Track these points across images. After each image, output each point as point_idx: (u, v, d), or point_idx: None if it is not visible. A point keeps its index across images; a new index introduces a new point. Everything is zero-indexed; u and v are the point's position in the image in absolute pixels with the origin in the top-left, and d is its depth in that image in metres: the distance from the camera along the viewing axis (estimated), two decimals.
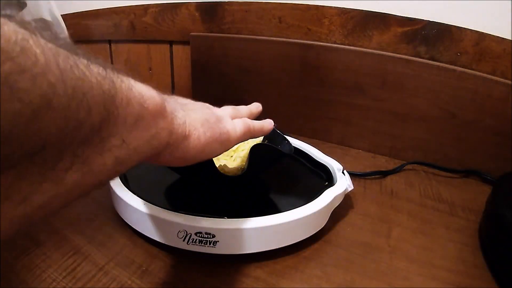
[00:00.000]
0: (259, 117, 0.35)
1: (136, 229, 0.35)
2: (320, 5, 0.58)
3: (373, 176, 0.51)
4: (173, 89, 0.79)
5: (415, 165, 0.55)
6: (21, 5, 0.43)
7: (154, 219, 0.32)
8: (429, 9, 0.51)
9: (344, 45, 0.58)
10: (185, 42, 0.72)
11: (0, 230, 0.12)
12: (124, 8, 0.75)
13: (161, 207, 0.32)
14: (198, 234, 0.31)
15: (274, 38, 0.62)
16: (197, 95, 0.74)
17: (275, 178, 0.44)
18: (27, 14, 0.44)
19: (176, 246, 0.32)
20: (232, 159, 0.41)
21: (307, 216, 0.33)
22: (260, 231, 0.31)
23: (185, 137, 0.22)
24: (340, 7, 0.56)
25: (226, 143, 0.26)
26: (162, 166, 0.37)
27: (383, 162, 0.57)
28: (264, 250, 0.32)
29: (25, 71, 0.10)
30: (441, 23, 0.51)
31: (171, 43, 0.74)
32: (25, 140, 0.11)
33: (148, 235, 0.33)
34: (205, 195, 0.39)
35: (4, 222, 0.12)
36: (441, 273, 0.33)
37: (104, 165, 0.15)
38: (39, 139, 0.11)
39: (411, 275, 0.33)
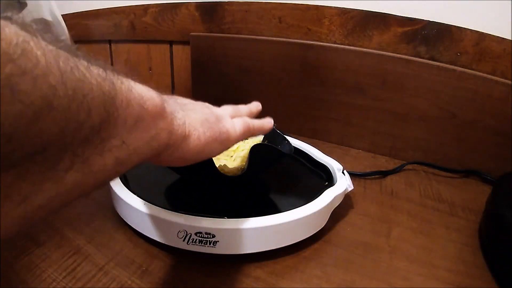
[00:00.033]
0: (258, 116, 0.35)
1: (136, 229, 0.35)
2: (320, 5, 0.58)
3: (373, 176, 0.51)
4: (173, 89, 0.79)
5: (415, 165, 0.55)
6: (22, 5, 0.43)
7: (154, 219, 0.32)
8: (429, 9, 0.51)
9: (344, 45, 0.58)
10: (185, 42, 0.72)
11: (0, 229, 0.12)
12: (124, 8, 0.75)
13: (161, 207, 0.32)
14: (198, 234, 0.31)
15: (274, 38, 0.62)
16: (197, 95, 0.74)
17: (275, 178, 0.44)
18: (28, 14, 0.44)
19: (176, 246, 0.32)
20: (232, 159, 0.42)
21: (307, 216, 0.33)
22: (260, 231, 0.31)
23: (185, 137, 0.22)
24: (340, 7, 0.56)
25: (225, 143, 0.26)
26: (162, 166, 0.37)
27: (383, 162, 0.57)
28: (264, 250, 0.33)
29: (26, 73, 0.10)
30: (441, 23, 0.51)
31: (171, 43, 0.74)
32: (26, 141, 0.11)
33: (148, 235, 0.33)
34: (205, 195, 0.39)
35: (4, 221, 0.12)
36: (441, 273, 0.33)
37: (104, 165, 0.15)
38: (40, 140, 0.11)
39: (411, 275, 0.33)
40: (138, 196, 0.34)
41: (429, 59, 0.53)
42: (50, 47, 0.12)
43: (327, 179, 0.42)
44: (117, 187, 0.36)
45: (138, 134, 0.17)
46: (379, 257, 0.35)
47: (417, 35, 0.53)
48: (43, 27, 0.46)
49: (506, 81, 0.48)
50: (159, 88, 0.20)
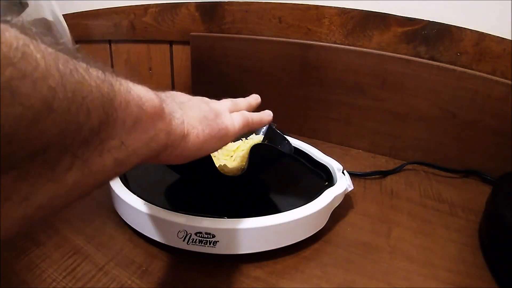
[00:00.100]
0: (258, 109, 0.35)
1: (136, 229, 0.35)
2: (320, 5, 0.58)
3: (373, 176, 0.51)
4: (173, 89, 0.79)
5: (415, 165, 0.55)
6: (23, 5, 0.43)
7: (154, 219, 0.32)
8: (429, 9, 0.51)
9: (344, 45, 0.58)
10: (185, 42, 0.72)
11: (0, 230, 0.12)
12: (124, 8, 0.75)
13: (161, 207, 0.33)
14: (198, 234, 0.31)
15: (274, 38, 0.62)
16: (197, 95, 0.73)
17: (275, 178, 0.44)
18: (29, 14, 0.44)
19: (176, 246, 0.32)
20: (232, 159, 0.42)
21: (307, 216, 0.33)
22: (260, 231, 0.31)
23: (184, 136, 0.22)
24: (340, 7, 0.56)
25: (224, 138, 0.26)
26: (162, 166, 0.38)
27: (383, 162, 0.57)
28: (264, 250, 0.33)
29: (26, 76, 0.10)
30: (441, 23, 0.51)
31: (171, 43, 0.74)
32: (26, 142, 0.11)
33: (148, 235, 0.33)
34: (205, 195, 0.39)
35: (4, 222, 0.12)
36: (441, 273, 0.33)
37: (104, 166, 0.15)
38: (40, 142, 0.11)
39: (411, 275, 0.33)
40: (138, 196, 0.34)
41: (429, 59, 0.53)
42: (50, 50, 0.12)
43: (327, 179, 0.42)
44: (117, 187, 0.36)
45: (137, 135, 0.17)
46: (379, 257, 0.35)
47: (417, 35, 0.53)
48: (44, 28, 0.46)
49: (506, 81, 0.48)
50: (159, 88, 0.20)
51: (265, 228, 0.31)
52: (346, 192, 0.39)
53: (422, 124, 0.55)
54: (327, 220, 0.37)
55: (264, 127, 0.46)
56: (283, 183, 0.43)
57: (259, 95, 0.36)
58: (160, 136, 0.19)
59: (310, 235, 0.35)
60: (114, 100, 0.15)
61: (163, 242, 0.33)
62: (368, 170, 0.52)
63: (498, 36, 0.48)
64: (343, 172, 0.42)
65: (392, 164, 0.55)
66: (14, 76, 0.10)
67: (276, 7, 0.61)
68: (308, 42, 0.59)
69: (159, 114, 0.19)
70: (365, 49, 0.56)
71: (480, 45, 0.49)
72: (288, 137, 0.43)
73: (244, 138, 0.45)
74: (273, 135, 0.44)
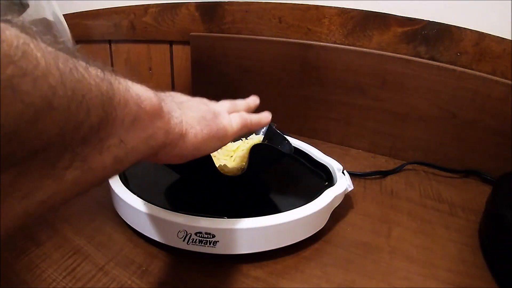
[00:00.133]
0: (257, 112, 0.35)
1: (136, 229, 0.35)
2: (320, 5, 0.58)
3: (373, 176, 0.51)
4: (173, 89, 0.79)
5: (415, 165, 0.55)
6: (24, 5, 0.43)
7: (154, 219, 0.32)
8: (429, 9, 0.51)
9: (344, 45, 0.58)
10: (185, 42, 0.72)
11: (0, 226, 0.12)
12: (124, 8, 0.75)
13: (161, 207, 0.32)
14: (198, 234, 0.31)
15: (274, 38, 0.62)
16: (197, 95, 0.73)
17: (275, 178, 0.44)
18: (30, 14, 0.44)
19: (176, 246, 0.32)
20: (232, 159, 0.42)
21: (307, 216, 0.33)
22: (260, 231, 0.31)
23: (182, 136, 0.22)
24: (340, 7, 0.56)
25: (223, 139, 0.26)
26: (162, 166, 0.38)
27: (383, 162, 0.57)
28: (264, 250, 0.33)
29: (27, 74, 0.10)
30: (441, 23, 0.51)
31: (171, 43, 0.74)
32: (27, 140, 0.11)
33: (148, 235, 0.33)
34: (205, 195, 0.39)
35: (4, 219, 0.12)
36: (441, 273, 0.33)
37: (103, 163, 0.15)
38: (40, 139, 0.12)
39: (411, 275, 0.33)
40: (138, 196, 0.34)
41: (429, 59, 0.53)
42: (50, 48, 0.12)
43: (327, 179, 0.42)
44: (117, 187, 0.36)
45: (135, 133, 0.17)
46: (379, 257, 0.35)
47: (417, 35, 0.53)
48: (44, 27, 0.46)
49: (506, 81, 0.48)
50: (159, 88, 0.20)
51: (265, 228, 0.31)
52: (346, 192, 0.39)
53: (422, 124, 0.55)
54: (327, 220, 0.37)
55: (264, 127, 0.46)
56: (283, 183, 0.43)
57: (259, 95, 0.36)
58: (158, 134, 0.19)
59: (310, 235, 0.35)
60: (113, 99, 0.15)
61: (163, 242, 0.33)
62: (368, 170, 0.52)
63: (498, 36, 0.48)
64: (343, 172, 0.42)
65: (392, 164, 0.55)
66: (15, 74, 0.10)
67: (276, 7, 0.61)
68: (308, 42, 0.59)
69: (157, 113, 0.19)
70: (365, 49, 0.56)
71: (480, 45, 0.49)
72: (288, 137, 0.43)
73: (244, 138, 0.45)
74: (273, 135, 0.44)
